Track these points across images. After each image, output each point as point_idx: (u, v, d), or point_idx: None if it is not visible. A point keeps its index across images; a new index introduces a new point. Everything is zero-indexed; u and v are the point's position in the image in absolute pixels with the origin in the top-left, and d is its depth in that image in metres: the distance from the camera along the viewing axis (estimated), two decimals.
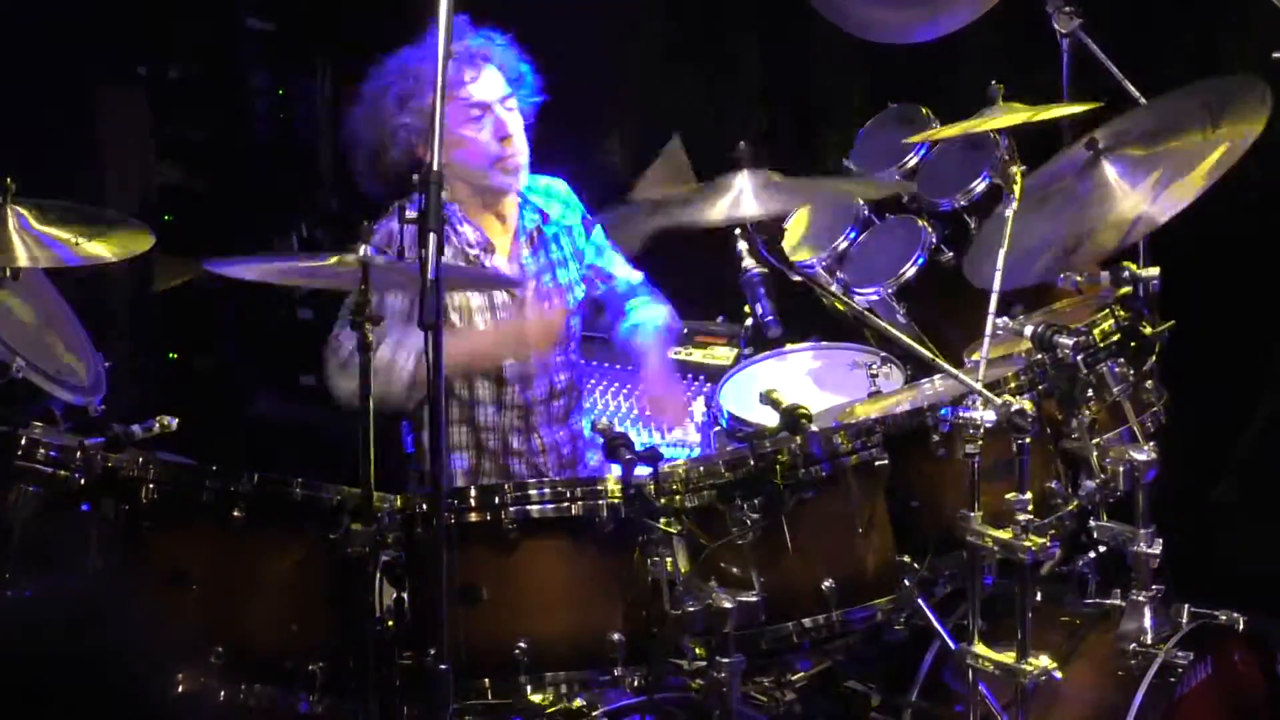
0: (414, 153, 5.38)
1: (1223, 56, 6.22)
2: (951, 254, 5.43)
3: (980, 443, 4.46)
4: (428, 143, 5.02)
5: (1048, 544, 4.51)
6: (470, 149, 5.45)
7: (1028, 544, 4.44)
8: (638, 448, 4.51)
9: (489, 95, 5.45)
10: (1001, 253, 4.61)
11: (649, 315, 5.78)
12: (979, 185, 5.47)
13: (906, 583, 4.70)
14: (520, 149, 5.49)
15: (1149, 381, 5.06)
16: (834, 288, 5.51)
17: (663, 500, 4.51)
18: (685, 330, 6.60)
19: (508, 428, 5.55)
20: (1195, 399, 5.32)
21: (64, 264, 4.66)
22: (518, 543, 4.54)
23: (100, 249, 4.68)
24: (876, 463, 4.70)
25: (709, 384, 6.20)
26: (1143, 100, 5.17)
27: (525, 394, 5.55)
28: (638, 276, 5.84)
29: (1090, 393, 4.88)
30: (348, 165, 5.59)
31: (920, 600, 4.73)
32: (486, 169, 5.47)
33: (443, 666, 4.19)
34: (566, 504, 4.57)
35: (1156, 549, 4.87)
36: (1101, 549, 5.14)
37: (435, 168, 4.11)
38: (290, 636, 4.57)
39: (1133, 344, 4.99)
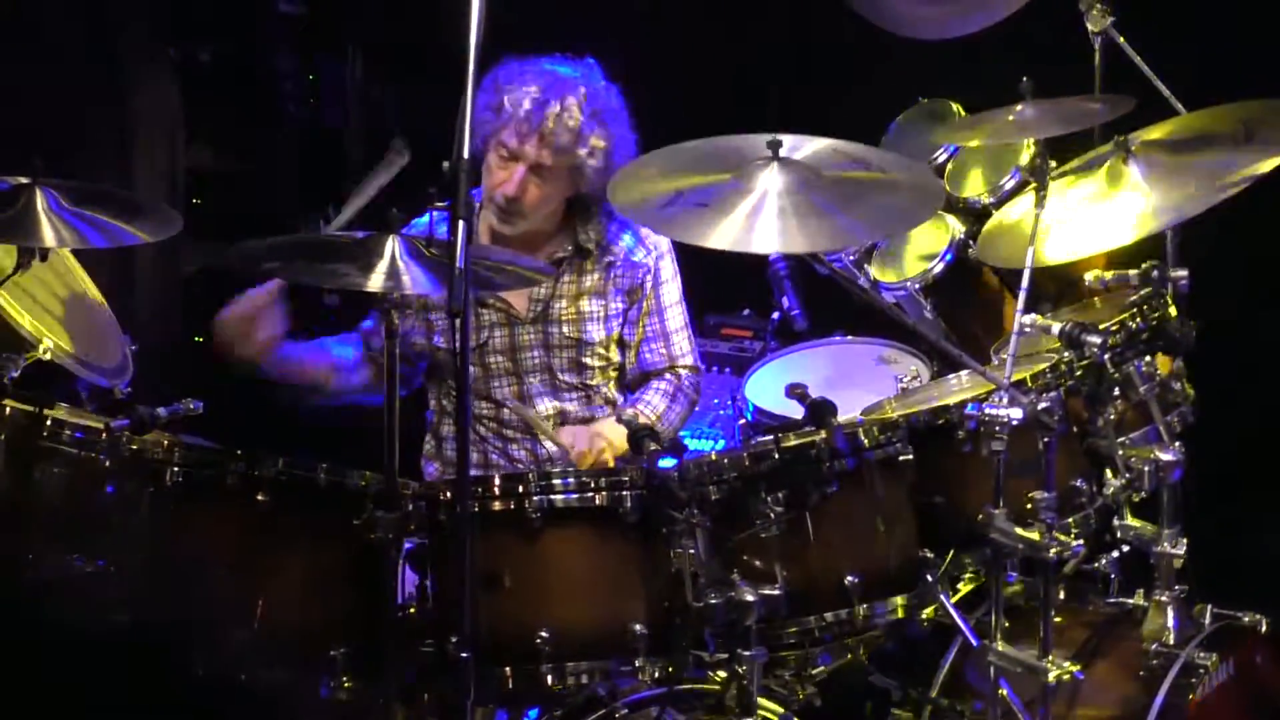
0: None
1: (1251, 60, 6.20)
2: None
3: (1006, 440, 4.46)
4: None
5: (1072, 542, 4.51)
6: (489, 179, 5.31)
7: (1052, 542, 4.45)
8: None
9: (522, 155, 5.26)
10: (1030, 251, 4.61)
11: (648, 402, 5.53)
12: (1008, 183, 5.46)
13: (929, 579, 4.70)
14: (519, 211, 5.29)
15: (1176, 381, 5.04)
16: (862, 283, 5.50)
17: (687, 492, 4.50)
18: (710, 324, 6.62)
19: (508, 438, 5.52)
20: (1222, 399, 5.31)
21: (90, 245, 4.66)
22: (541, 531, 4.53)
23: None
24: (901, 458, 4.69)
25: (735, 375, 6.21)
26: (1176, 103, 5.15)
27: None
28: (688, 369, 5.56)
29: (1117, 391, 4.87)
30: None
31: (943, 596, 4.73)
32: (488, 204, 5.33)
33: (464, 654, 4.19)
34: (590, 494, 4.56)
35: (1180, 549, 4.88)
36: (1125, 548, 5.14)
37: (465, 156, 4.09)
38: (312, 621, 4.58)
39: (1160, 343, 4.98)
